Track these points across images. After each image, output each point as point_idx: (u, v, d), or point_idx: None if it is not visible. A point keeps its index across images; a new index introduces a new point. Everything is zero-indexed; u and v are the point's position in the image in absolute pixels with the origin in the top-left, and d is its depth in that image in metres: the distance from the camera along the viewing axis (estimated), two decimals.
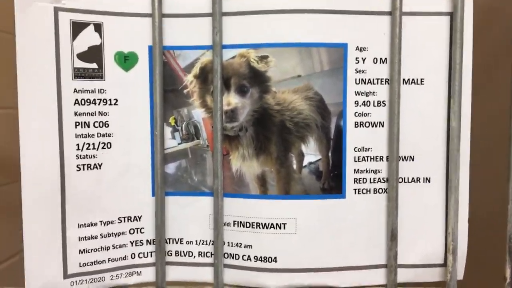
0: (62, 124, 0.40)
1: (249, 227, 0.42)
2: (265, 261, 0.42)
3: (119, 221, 0.43)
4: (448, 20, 0.40)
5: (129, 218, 0.43)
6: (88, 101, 0.41)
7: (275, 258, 0.42)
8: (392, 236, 0.41)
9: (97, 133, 0.41)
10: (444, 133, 0.41)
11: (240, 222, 0.42)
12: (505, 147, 0.41)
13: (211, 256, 0.43)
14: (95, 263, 0.42)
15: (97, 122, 0.41)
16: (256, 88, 0.41)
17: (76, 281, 0.41)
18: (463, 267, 0.42)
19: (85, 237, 0.41)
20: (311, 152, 0.41)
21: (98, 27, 0.41)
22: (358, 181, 0.41)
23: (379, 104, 0.41)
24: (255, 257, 0.42)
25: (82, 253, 0.41)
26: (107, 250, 0.42)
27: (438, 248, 0.42)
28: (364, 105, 0.41)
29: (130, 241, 0.43)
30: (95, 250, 0.42)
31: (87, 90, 0.41)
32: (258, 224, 0.42)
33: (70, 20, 0.40)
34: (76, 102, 0.41)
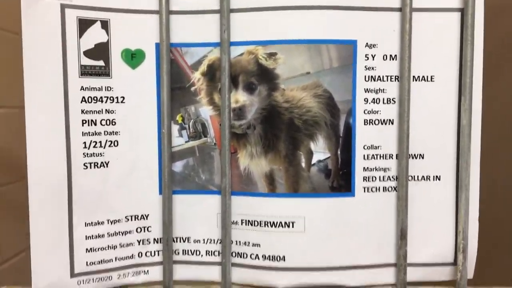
0: (69, 122, 0.40)
1: (257, 225, 0.41)
2: (273, 260, 0.41)
3: (126, 220, 0.42)
4: (458, 16, 0.40)
5: (136, 216, 0.42)
6: (95, 98, 0.41)
7: (284, 257, 0.41)
8: (402, 235, 0.41)
9: (104, 131, 0.41)
10: (454, 130, 0.41)
11: (248, 220, 0.42)
12: None
13: (218, 255, 0.42)
14: (102, 262, 0.42)
15: (104, 120, 0.41)
16: (264, 86, 0.41)
17: (83, 280, 0.41)
18: (473, 266, 0.41)
19: (92, 235, 0.41)
20: (320, 150, 0.41)
21: (105, 24, 0.40)
22: (367, 179, 0.41)
23: (388, 102, 0.40)
24: (263, 256, 0.42)
25: (89, 252, 0.41)
26: (114, 249, 0.42)
27: (448, 247, 0.42)
28: (374, 102, 0.40)
29: (137, 240, 0.43)
30: (102, 249, 0.42)
31: (94, 88, 0.40)
32: (266, 222, 0.41)
33: (77, 17, 0.40)
34: (83, 99, 0.40)
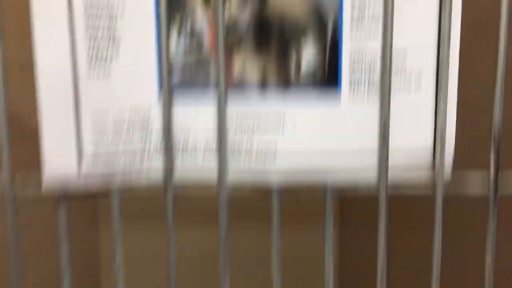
0: (74, 35, 0.43)
1: (250, 129, 0.45)
2: (266, 160, 0.45)
3: (128, 130, 0.45)
4: None
5: (137, 125, 0.45)
6: (96, 11, 0.43)
7: (275, 157, 0.45)
8: (384, 141, 0.44)
9: (107, 41, 0.44)
10: (435, 42, 0.44)
11: (242, 125, 0.45)
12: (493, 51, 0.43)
13: (216, 160, 0.45)
14: (107, 165, 0.45)
15: (105, 31, 0.44)
16: None
17: (89, 174, 0.44)
18: (450, 167, 0.45)
19: (97, 142, 0.44)
20: (309, 57, 0.44)
21: None
22: (353, 88, 0.44)
23: (374, 9, 0.43)
24: (256, 157, 0.45)
25: (94, 157, 0.44)
26: (117, 155, 0.45)
27: (426, 151, 0.45)
28: (360, 10, 0.43)
29: (140, 147, 0.46)
30: (106, 153, 0.45)
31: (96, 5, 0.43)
32: (258, 126, 0.44)
33: None
34: (86, 14, 0.43)
